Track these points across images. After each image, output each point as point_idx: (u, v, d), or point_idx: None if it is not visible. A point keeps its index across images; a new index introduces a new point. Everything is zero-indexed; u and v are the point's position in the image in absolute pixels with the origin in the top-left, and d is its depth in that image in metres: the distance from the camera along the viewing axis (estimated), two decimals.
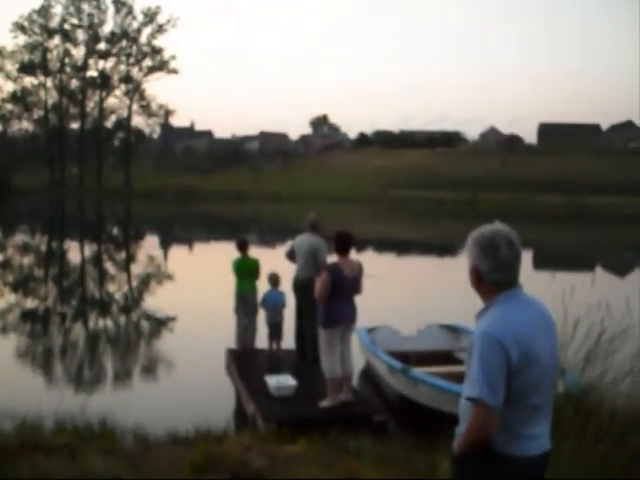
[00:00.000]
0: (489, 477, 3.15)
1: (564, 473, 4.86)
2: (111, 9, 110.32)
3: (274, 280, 11.07)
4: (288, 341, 11.14)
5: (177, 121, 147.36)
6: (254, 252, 11.63)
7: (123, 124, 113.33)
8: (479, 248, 3.24)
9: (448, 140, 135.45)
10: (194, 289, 19.79)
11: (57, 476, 5.56)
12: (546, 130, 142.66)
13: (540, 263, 29.47)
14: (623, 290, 8.04)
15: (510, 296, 3.21)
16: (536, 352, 3.11)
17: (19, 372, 11.42)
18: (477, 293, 3.33)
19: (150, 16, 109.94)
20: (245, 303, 11.11)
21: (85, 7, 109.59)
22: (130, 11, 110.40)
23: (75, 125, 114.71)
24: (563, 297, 6.52)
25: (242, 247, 11.26)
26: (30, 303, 18.65)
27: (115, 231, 49.98)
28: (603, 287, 7.99)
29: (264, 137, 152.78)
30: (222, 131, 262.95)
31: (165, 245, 37.14)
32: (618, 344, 6.20)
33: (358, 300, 8.74)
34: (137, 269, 26.24)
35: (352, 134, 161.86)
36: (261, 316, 11.19)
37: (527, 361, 3.06)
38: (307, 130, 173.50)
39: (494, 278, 3.22)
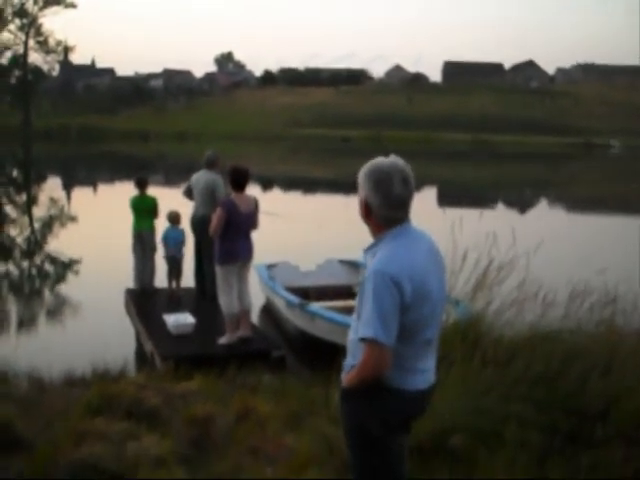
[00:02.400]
0: (378, 411, 3.20)
1: (449, 400, 5.02)
2: None
3: (174, 218, 10.95)
4: (188, 279, 11.10)
5: (77, 58, 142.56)
6: (158, 191, 11.47)
7: (19, 61, 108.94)
8: (371, 182, 3.14)
9: (354, 78, 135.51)
10: (98, 230, 19.40)
11: None
12: (450, 69, 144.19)
13: (443, 200, 30.01)
14: (514, 223, 8.27)
15: (400, 232, 3.16)
16: (428, 287, 3.11)
17: None
18: (367, 226, 3.28)
19: None
20: (142, 242, 10.99)
21: None
22: None
23: None
24: (452, 229, 6.65)
25: (141, 185, 11.09)
26: None
27: (15, 173, 48.42)
28: (494, 221, 8.20)
29: (168, 75, 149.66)
30: (124, 69, 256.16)
31: (68, 187, 36.20)
32: (505, 274, 6.39)
33: (259, 237, 8.73)
34: (39, 212, 25.50)
35: (258, 71, 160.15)
36: (160, 254, 11.10)
37: (420, 297, 3.06)
38: (212, 68, 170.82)
39: (384, 214, 3.15)
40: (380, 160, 3.21)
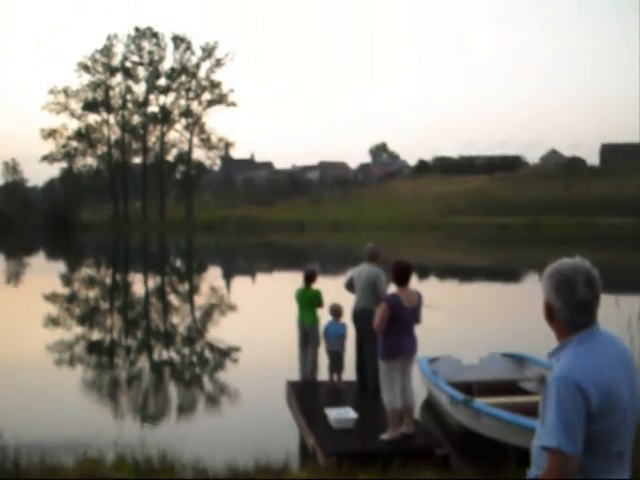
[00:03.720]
0: None
1: None
2: (170, 45, 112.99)
3: (336, 311, 10.96)
4: (349, 372, 11.03)
5: (237, 153, 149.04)
6: (316, 281, 11.49)
7: (184, 157, 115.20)
8: (554, 285, 3.03)
9: (508, 164, 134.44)
10: (257, 319, 19.84)
11: None
12: (609, 151, 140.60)
13: (606, 287, 28.83)
14: None
15: (586, 336, 3.01)
16: (617, 394, 2.92)
17: (84, 404, 11.57)
18: (551, 329, 3.15)
19: (208, 51, 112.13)
20: (306, 334, 11.03)
21: (145, 45, 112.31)
22: (189, 47, 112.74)
23: (137, 160, 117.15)
24: (629, 323, 6.31)
25: (309, 279, 11.16)
26: (96, 335, 18.94)
27: (178, 263, 50.55)
28: None
29: (324, 167, 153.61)
30: (282, 162, 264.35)
31: (227, 276, 37.40)
32: None
33: (419, 328, 8.61)
34: (200, 300, 26.45)
35: (412, 161, 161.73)
36: (322, 347, 11.09)
37: (608, 405, 2.87)
38: (366, 158, 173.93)
39: (568, 318, 3.02)
40: (563, 261, 3.10)
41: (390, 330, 8.08)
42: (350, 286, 10.61)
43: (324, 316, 11.19)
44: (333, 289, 12.78)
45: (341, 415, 8.88)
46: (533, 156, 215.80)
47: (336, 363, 10.84)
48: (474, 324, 18.52)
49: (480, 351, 11.91)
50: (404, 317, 8.14)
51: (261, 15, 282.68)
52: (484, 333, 16.43)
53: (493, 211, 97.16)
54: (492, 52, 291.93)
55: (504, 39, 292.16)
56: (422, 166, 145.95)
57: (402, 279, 8.23)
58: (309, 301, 11.06)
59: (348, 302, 10.86)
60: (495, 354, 11.60)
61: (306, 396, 10.38)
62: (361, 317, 10.12)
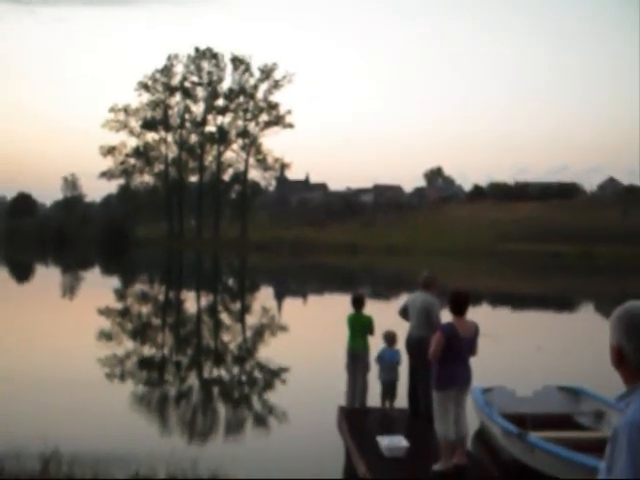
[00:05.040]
0: None
1: None
2: (229, 66, 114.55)
3: (390, 338, 10.88)
4: (401, 399, 10.94)
5: (292, 174, 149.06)
6: (367, 306, 11.44)
7: (240, 177, 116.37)
8: (624, 327, 2.93)
9: (564, 192, 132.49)
10: (308, 341, 19.84)
11: None
12: None
13: None
14: None
15: None
16: None
17: (135, 420, 11.69)
18: (618, 373, 3.04)
19: (267, 72, 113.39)
20: (356, 360, 10.97)
21: (205, 65, 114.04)
22: (247, 68, 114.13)
23: (194, 178, 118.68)
24: None
25: (357, 304, 11.12)
26: (147, 351, 19.13)
27: (231, 282, 50.88)
28: None
29: (378, 190, 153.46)
30: (336, 184, 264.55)
31: (279, 296, 37.51)
32: None
33: (473, 358, 8.52)
34: (251, 320, 26.55)
35: (467, 185, 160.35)
36: (374, 374, 11.00)
37: None
38: (421, 182, 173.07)
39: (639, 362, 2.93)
40: (633, 303, 3.00)
41: (445, 359, 8.01)
42: (404, 313, 10.54)
43: (373, 342, 11.14)
44: (384, 314, 12.72)
45: (393, 443, 8.80)
46: (592, 184, 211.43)
47: (389, 390, 10.75)
48: (528, 354, 18.26)
49: (534, 382, 11.75)
50: (459, 347, 8.05)
51: (320, 37, 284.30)
52: (538, 363, 16.19)
53: (547, 239, 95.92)
54: (548, 76, 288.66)
55: (560, 63, 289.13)
56: (477, 191, 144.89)
57: (459, 309, 8.15)
58: (361, 327, 10.99)
59: (398, 327, 10.81)
60: (550, 386, 11.40)
61: (357, 422, 10.28)
62: (416, 345, 10.04)
